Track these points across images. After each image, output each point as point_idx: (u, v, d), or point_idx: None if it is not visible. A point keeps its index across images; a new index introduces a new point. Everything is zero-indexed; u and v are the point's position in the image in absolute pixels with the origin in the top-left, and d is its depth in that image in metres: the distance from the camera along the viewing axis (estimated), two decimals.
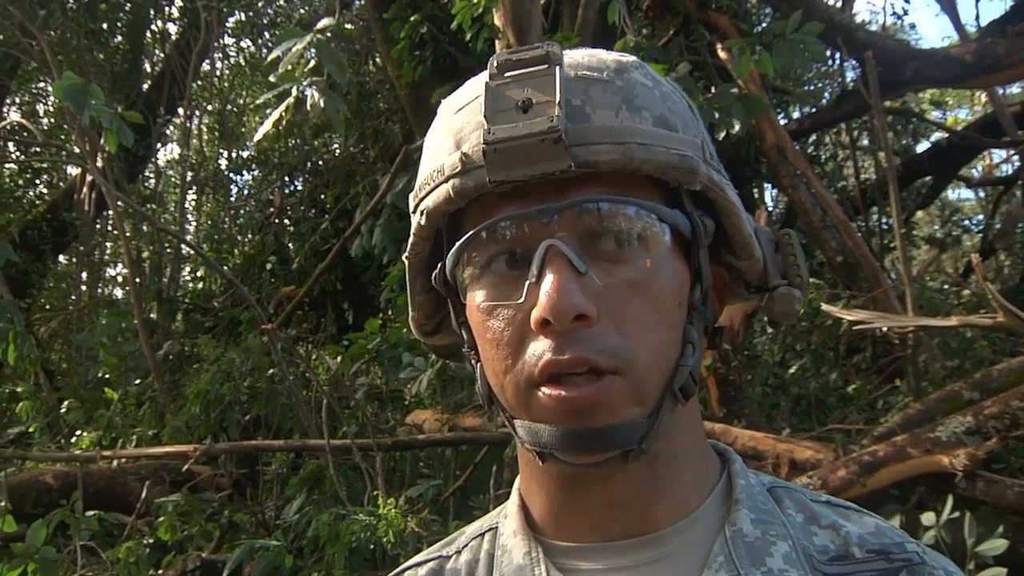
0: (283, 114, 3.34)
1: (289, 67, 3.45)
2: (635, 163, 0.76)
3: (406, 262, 0.90)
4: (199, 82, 13.67)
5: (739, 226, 0.85)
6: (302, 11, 13.49)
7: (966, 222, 15.63)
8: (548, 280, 0.73)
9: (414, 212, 0.85)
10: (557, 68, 0.75)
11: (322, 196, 10.65)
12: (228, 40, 14.27)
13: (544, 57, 0.77)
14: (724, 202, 0.83)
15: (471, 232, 0.79)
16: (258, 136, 3.53)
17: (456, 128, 0.81)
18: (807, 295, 0.90)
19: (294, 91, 3.33)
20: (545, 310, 0.73)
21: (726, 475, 0.89)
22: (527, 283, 0.76)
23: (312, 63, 3.49)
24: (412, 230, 0.86)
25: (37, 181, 14.22)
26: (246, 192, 13.69)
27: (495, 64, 0.78)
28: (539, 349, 0.75)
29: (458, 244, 0.80)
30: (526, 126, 0.73)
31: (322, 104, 3.28)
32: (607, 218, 0.77)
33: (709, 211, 0.84)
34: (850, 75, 10.82)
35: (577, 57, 0.82)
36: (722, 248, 0.88)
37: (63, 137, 11.82)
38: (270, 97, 3.41)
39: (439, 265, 0.85)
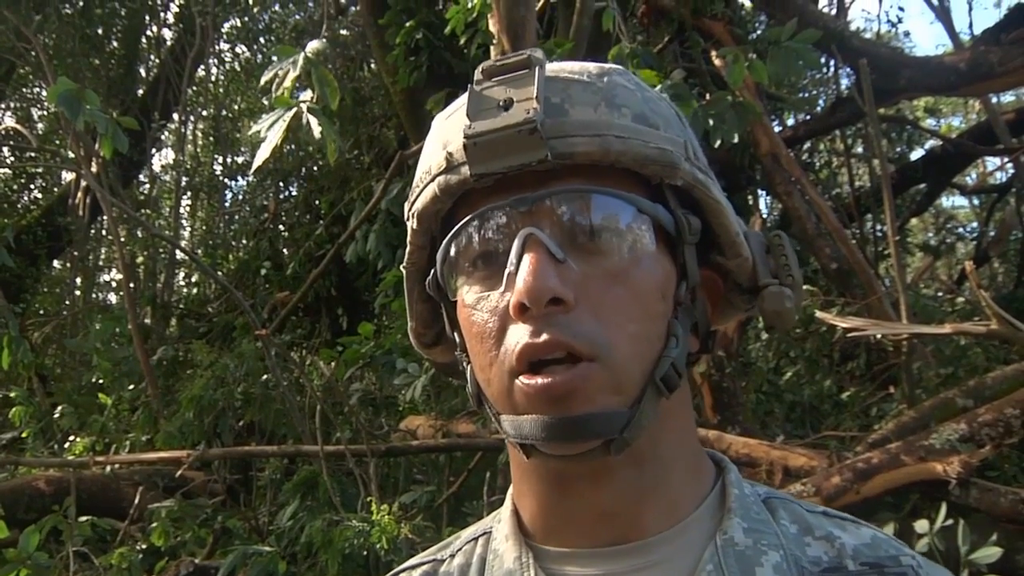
0: (281, 140, 3.34)
1: (282, 92, 3.46)
2: (612, 155, 0.77)
3: (404, 271, 0.91)
4: (194, 88, 13.68)
5: (726, 225, 0.85)
6: (297, 17, 13.51)
7: (960, 229, 15.71)
8: (525, 266, 0.75)
9: (408, 218, 0.87)
10: (537, 68, 0.78)
11: (316, 202, 10.65)
12: (223, 46, 14.29)
13: (526, 61, 0.79)
14: (709, 201, 0.84)
15: (455, 228, 0.81)
16: (257, 163, 3.50)
17: (444, 132, 0.84)
18: (801, 296, 0.90)
19: (287, 118, 3.33)
20: (521, 294, 0.74)
21: (720, 484, 0.88)
22: (507, 272, 0.77)
23: (305, 95, 3.50)
24: (408, 237, 0.88)
25: (32, 186, 14.24)
26: (240, 197, 13.73)
27: (481, 70, 0.81)
28: (517, 334, 0.76)
29: (444, 241, 0.82)
30: (504, 119, 0.76)
31: (317, 132, 3.29)
32: (585, 208, 0.78)
33: (696, 211, 0.85)
34: (844, 82, 10.91)
35: (562, 64, 0.84)
36: (712, 250, 0.88)
37: (58, 142, 11.82)
38: (265, 126, 3.39)
39: (432, 270, 0.86)
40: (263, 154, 3.38)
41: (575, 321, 0.75)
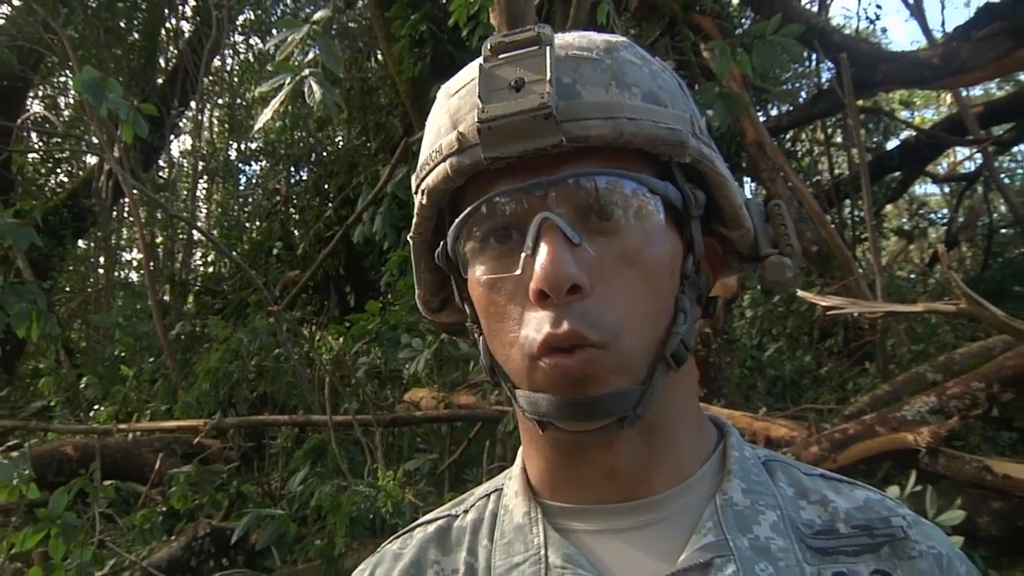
0: (282, 103, 3.29)
1: (286, 56, 3.41)
2: (625, 137, 0.75)
3: (411, 242, 0.89)
4: (210, 77, 13.62)
5: (729, 197, 0.83)
6: (308, 9, 13.43)
7: (932, 215, 15.65)
8: (543, 252, 0.72)
9: (416, 192, 0.84)
10: (548, 48, 0.75)
11: (326, 186, 10.62)
12: (238, 37, 14.21)
13: (535, 38, 0.76)
14: (714, 175, 0.82)
15: (469, 208, 0.78)
16: (258, 125, 3.46)
17: (453, 109, 0.80)
18: (800, 263, 0.88)
19: (290, 81, 3.28)
20: (541, 281, 0.72)
21: (722, 446, 0.88)
22: (523, 255, 0.75)
23: (310, 55, 3.44)
24: (415, 210, 0.86)
25: (58, 170, 14.21)
26: (254, 181, 13.67)
27: (489, 47, 0.77)
28: (538, 321, 0.74)
29: (458, 220, 0.80)
30: (518, 104, 0.73)
31: (318, 95, 3.23)
32: (599, 191, 0.76)
33: (700, 184, 0.83)
34: (825, 75, 10.84)
35: (568, 39, 0.80)
36: (714, 220, 0.86)
37: (82, 128, 11.77)
38: (268, 88, 3.34)
39: (441, 243, 0.84)
40: (265, 116, 3.35)
41: (592, 309, 0.73)
